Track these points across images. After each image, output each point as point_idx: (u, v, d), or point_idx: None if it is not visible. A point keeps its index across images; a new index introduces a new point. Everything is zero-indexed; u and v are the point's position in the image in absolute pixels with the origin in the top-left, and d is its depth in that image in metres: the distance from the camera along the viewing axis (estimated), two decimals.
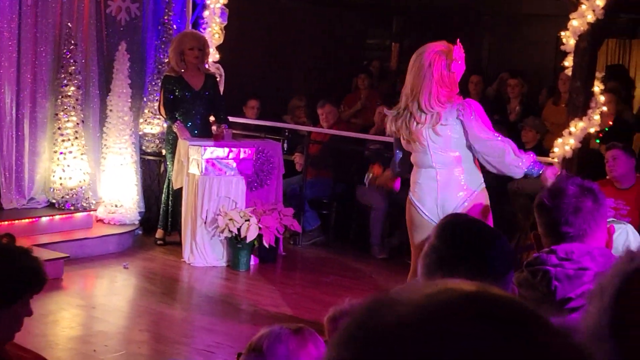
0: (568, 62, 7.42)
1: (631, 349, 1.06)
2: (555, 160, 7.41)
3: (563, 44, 7.34)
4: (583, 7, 7.14)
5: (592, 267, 2.30)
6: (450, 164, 5.34)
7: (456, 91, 5.33)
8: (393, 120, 5.37)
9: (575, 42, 7.25)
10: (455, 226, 2.15)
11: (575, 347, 0.86)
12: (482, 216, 5.14)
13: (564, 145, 7.33)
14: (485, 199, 5.36)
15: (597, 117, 7.30)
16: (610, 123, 8.46)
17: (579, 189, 2.52)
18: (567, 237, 2.47)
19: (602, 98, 7.33)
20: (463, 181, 5.34)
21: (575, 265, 2.32)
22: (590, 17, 7.12)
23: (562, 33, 7.31)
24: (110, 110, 8.55)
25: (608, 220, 3.66)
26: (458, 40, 5.34)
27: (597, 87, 7.36)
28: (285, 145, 9.66)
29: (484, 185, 5.42)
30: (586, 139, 7.41)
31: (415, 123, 5.27)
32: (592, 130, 7.37)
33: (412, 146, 5.37)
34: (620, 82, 9.88)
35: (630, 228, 3.38)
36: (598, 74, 7.42)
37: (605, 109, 7.47)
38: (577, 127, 7.29)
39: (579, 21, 7.16)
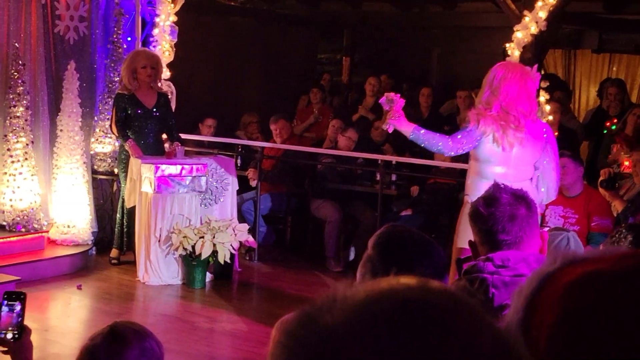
0: None
1: (530, 349, 1.09)
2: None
3: (508, 55, 7.46)
4: (526, 19, 7.28)
5: (527, 274, 2.34)
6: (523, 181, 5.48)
7: None
8: (495, 120, 5.44)
9: (519, 53, 7.38)
10: (389, 236, 2.18)
11: (506, 343, 0.89)
12: None
13: None
14: None
15: None
16: (556, 133, 8.58)
17: (511, 196, 2.58)
18: (504, 245, 2.52)
19: (547, 107, 7.46)
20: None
21: (512, 272, 2.37)
22: (534, 29, 7.25)
23: (507, 45, 7.44)
24: (61, 130, 8.49)
25: (552, 227, 3.74)
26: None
27: (543, 96, 7.49)
28: (238, 161, 9.68)
29: None
30: None
31: (513, 131, 5.44)
32: None
33: (494, 155, 5.48)
34: (563, 91, 10.05)
35: (572, 235, 3.43)
36: (543, 84, 7.55)
37: (551, 118, 7.59)
38: None
39: (523, 33, 7.30)
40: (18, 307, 2.69)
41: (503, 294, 2.29)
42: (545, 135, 5.58)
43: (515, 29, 7.36)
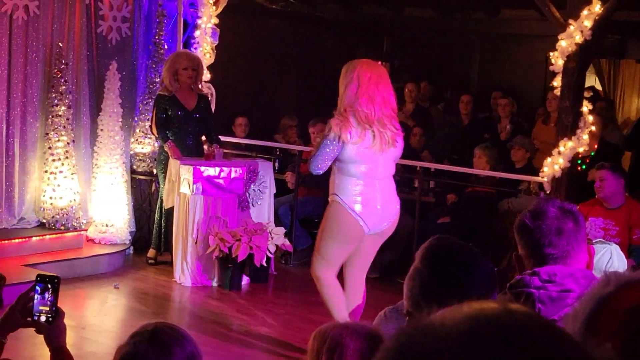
0: (557, 82, 7.46)
1: None
2: (545, 179, 7.44)
3: (552, 64, 7.38)
4: (571, 28, 7.19)
5: (575, 289, 2.32)
6: (389, 176, 5.77)
7: None
8: (361, 129, 5.53)
9: (563, 62, 7.30)
10: (437, 250, 2.15)
11: None
12: None
13: (553, 165, 7.36)
14: None
15: (585, 137, 7.34)
16: (595, 147, 8.48)
17: (559, 210, 2.53)
18: (551, 259, 2.48)
19: (590, 118, 7.37)
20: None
21: (558, 287, 2.33)
22: (579, 38, 7.17)
23: (551, 53, 7.36)
24: (101, 130, 8.55)
25: (594, 240, 3.68)
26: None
27: (586, 107, 7.40)
28: (276, 164, 9.68)
29: None
30: (575, 159, 7.45)
31: (389, 132, 5.61)
32: (580, 149, 7.40)
33: (367, 157, 5.59)
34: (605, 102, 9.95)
35: (614, 248, 3.38)
36: (586, 94, 7.47)
37: (593, 128, 7.51)
38: (566, 146, 7.33)
39: (567, 42, 7.21)
40: (48, 293, 2.71)
41: (550, 310, 2.25)
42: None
43: (559, 37, 7.28)
